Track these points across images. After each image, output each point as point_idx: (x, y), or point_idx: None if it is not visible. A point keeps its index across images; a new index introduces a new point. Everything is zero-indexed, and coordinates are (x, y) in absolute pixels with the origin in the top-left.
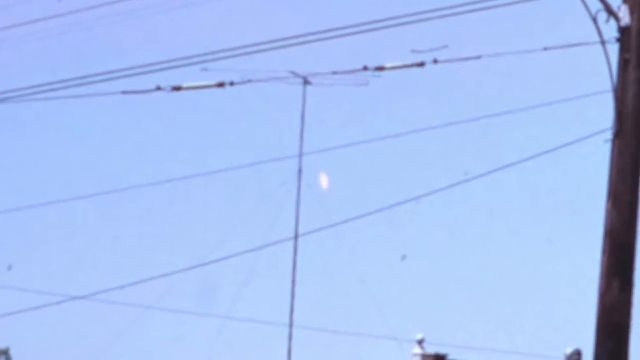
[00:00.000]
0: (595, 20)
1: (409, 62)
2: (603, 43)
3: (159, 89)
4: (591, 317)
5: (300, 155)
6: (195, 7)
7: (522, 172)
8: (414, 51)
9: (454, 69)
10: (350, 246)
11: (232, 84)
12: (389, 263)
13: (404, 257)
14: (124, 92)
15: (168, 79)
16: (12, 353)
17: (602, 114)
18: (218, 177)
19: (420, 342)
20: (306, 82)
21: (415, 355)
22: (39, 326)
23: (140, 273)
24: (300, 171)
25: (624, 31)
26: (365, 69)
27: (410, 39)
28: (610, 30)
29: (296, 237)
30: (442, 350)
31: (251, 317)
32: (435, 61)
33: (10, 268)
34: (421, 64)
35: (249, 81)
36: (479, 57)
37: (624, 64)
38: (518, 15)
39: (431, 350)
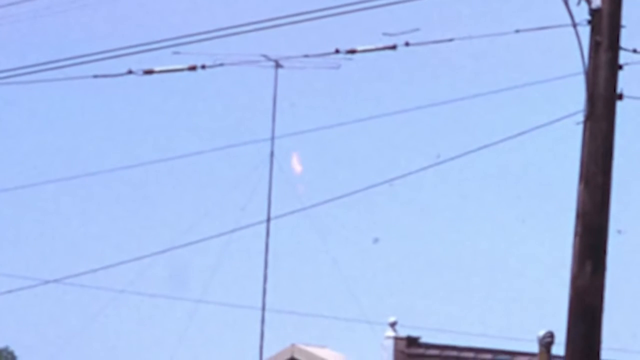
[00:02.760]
0: (566, 2)
1: (380, 45)
2: (574, 25)
3: (130, 72)
4: (563, 300)
5: (272, 138)
6: None
7: (494, 154)
8: (385, 34)
9: (425, 52)
10: (323, 229)
11: (203, 67)
12: (362, 246)
13: (376, 240)
14: (95, 76)
15: (139, 62)
16: None
17: (574, 96)
18: (189, 161)
19: (393, 325)
20: (278, 66)
21: (388, 337)
22: (11, 310)
23: (112, 257)
24: (272, 154)
25: (594, 13)
26: (337, 52)
27: (381, 22)
28: (582, 12)
29: (268, 220)
30: (414, 333)
31: (223, 301)
32: (407, 44)
33: None
34: (393, 47)
35: (221, 64)
36: (450, 40)
37: (595, 46)
38: None
39: (403, 333)
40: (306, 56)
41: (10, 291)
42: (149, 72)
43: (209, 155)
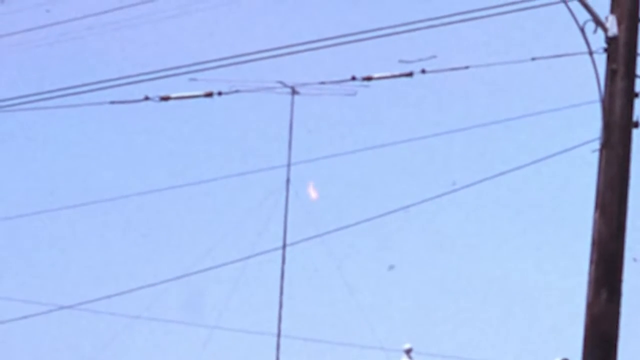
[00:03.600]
0: (582, 30)
1: (397, 72)
2: (590, 53)
3: (147, 98)
4: (579, 327)
5: (288, 164)
6: (183, 17)
7: (509, 182)
8: (401, 61)
9: (441, 79)
10: (338, 256)
11: (220, 93)
12: (377, 273)
13: (391, 267)
14: (112, 102)
15: (156, 88)
16: None
17: (590, 123)
18: (206, 187)
19: (408, 352)
20: (294, 92)
21: None
22: (26, 336)
23: (127, 282)
24: (288, 181)
25: (611, 41)
26: (353, 79)
27: (398, 49)
28: (598, 40)
29: (284, 246)
30: None
31: (239, 327)
32: (423, 71)
33: None
34: (409, 74)
35: (237, 91)
36: (466, 67)
37: (611, 74)
38: (506, 25)
39: (418, 359)
40: (322, 83)
41: (25, 317)
42: (165, 98)
43: (225, 181)
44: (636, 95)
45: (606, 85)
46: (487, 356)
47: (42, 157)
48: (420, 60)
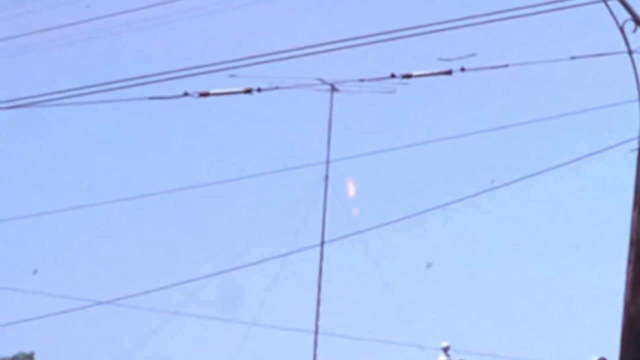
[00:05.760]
0: (622, 29)
1: (436, 70)
2: (630, 52)
3: (186, 94)
4: (616, 327)
5: (327, 161)
6: (223, 14)
7: (547, 181)
8: (441, 59)
9: (481, 77)
10: (376, 253)
11: (259, 90)
12: (415, 270)
13: (429, 265)
14: (151, 98)
15: (195, 84)
16: (37, 358)
17: (628, 123)
18: (244, 183)
19: (446, 350)
20: (333, 89)
21: None
22: (64, 331)
23: (166, 278)
24: (326, 178)
25: None
26: (393, 76)
27: (437, 47)
28: (637, 40)
29: (322, 243)
30: (467, 358)
31: (276, 324)
32: (463, 69)
33: (35, 272)
34: (448, 72)
35: (276, 87)
36: (506, 66)
37: None
38: (545, 24)
39: (456, 358)
40: (362, 80)
41: (63, 312)
42: (204, 94)
43: (264, 178)
44: None
45: None
46: (524, 355)
47: (80, 153)
48: (459, 58)
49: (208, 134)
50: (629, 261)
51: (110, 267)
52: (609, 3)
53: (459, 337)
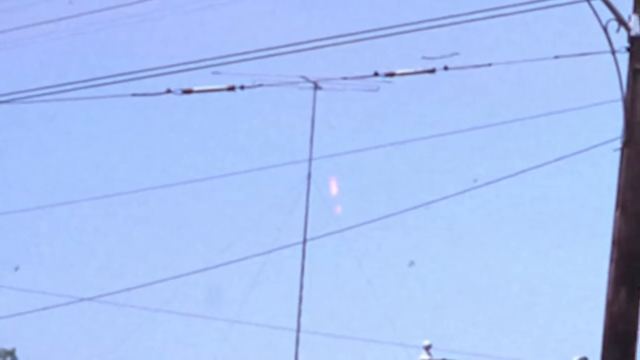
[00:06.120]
0: (605, 29)
1: (419, 69)
2: (613, 52)
3: (169, 91)
4: (598, 326)
5: (310, 159)
6: (206, 11)
7: (530, 180)
8: (424, 57)
9: (464, 76)
10: (358, 251)
11: (242, 87)
12: (397, 269)
13: (411, 263)
14: (134, 95)
15: (178, 82)
16: (18, 354)
17: (611, 122)
18: (227, 181)
19: (427, 348)
20: (316, 87)
21: None
22: (46, 327)
23: (148, 275)
24: (309, 175)
25: (634, 40)
26: (376, 74)
27: (421, 46)
28: (621, 40)
29: (304, 241)
30: (448, 357)
31: (258, 321)
32: (446, 68)
33: (17, 269)
34: (432, 71)
35: (260, 85)
36: (489, 65)
37: (633, 73)
38: (529, 23)
39: (438, 356)
40: (345, 78)
41: (45, 308)
42: (187, 91)
43: (247, 175)
44: None
45: (628, 84)
46: (506, 353)
47: (63, 149)
48: (443, 56)
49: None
50: (612, 260)
51: (93, 264)
52: (592, 3)
53: (441, 335)
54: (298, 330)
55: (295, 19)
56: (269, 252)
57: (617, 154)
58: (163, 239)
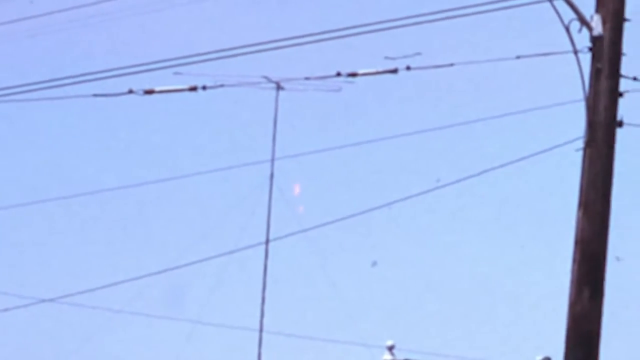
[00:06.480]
0: (567, 29)
1: (381, 69)
2: (575, 52)
3: (130, 92)
4: (561, 326)
5: (272, 160)
6: (167, 11)
7: (493, 180)
8: (387, 58)
9: (426, 76)
10: (322, 251)
11: (204, 88)
12: (360, 269)
13: (374, 263)
14: (95, 95)
15: (140, 82)
16: None
17: (574, 122)
18: (189, 181)
19: (390, 349)
20: (279, 87)
21: None
22: (6, 329)
23: (109, 276)
24: (271, 176)
25: (596, 40)
26: (338, 74)
27: (383, 46)
28: (583, 40)
29: (267, 241)
30: (412, 357)
31: (221, 322)
32: (408, 68)
33: None
34: (394, 71)
35: (222, 85)
36: (451, 65)
37: (595, 73)
38: (491, 23)
39: (401, 356)
40: (307, 78)
41: (6, 309)
42: (149, 92)
43: (209, 176)
44: (620, 94)
45: (591, 84)
46: (470, 353)
47: (23, 150)
48: (405, 57)
49: (152, 131)
50: (574, 260)
51: (54, 265)
52: (555, 2)
53: (404, 335)
54: (261, 331)
55: (257, 19)
56: (232, 252)
57: (580, 154)
58: (125, 239)
